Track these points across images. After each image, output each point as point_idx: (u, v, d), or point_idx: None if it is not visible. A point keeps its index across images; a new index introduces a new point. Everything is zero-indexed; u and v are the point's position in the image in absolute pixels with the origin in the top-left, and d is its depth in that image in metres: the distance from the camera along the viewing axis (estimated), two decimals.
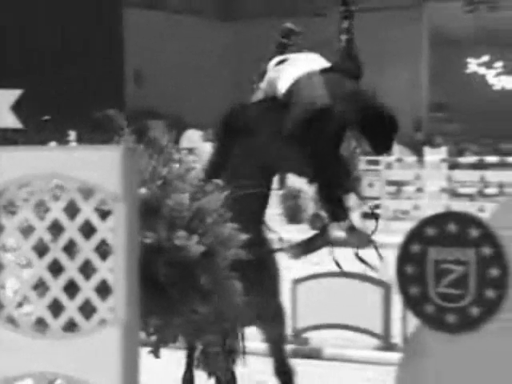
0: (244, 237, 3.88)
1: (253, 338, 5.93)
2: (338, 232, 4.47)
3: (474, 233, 3.96)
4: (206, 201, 3.90)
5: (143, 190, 3.74)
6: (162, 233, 3.77)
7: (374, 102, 4.30)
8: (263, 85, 4.46)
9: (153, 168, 3.88)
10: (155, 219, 3.80)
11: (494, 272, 3.92)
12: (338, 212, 4.39)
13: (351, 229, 4.42)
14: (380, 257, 4.44)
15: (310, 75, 4.32)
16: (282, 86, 4.32)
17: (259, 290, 4.32)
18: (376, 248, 4.40)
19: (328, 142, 4.26)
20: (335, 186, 4.37)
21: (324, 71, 4.34)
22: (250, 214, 4.34)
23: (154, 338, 3.89)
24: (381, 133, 4.27)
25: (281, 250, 4.58)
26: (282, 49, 4.67)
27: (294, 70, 4.36)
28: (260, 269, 4.33)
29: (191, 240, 3.75)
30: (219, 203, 3.91)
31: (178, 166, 3.98)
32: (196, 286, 3.85)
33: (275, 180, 4.56)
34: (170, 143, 4.03)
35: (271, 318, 4.61)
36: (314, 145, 4.22)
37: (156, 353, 4.03)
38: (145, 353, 3.54)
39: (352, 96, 4.25)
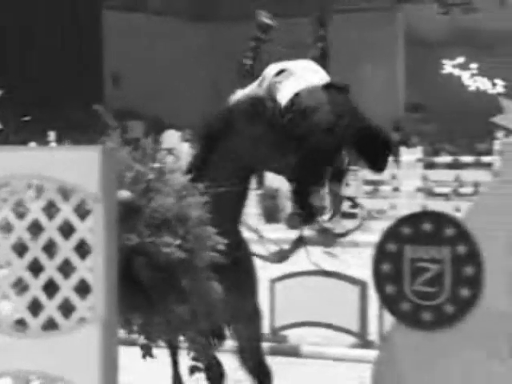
0: (223, 239, 3.91)
1: (230, 336, 5.96)
2: (310, 232, 4.54)
3: (449, 232, 4.00)
4: (187, 203, 3.92)
5: (126, 193, 3.75)
6: (145, 235, 3.79)
7: (370, 122, 4.37)
8: (259, 90, 4.46)
9: (136, 171, 3.90)
10: (138, 221, 3.82)
11: (469, 270, 3.97)
12: (308, 214, 4.45)
13: (320, 230, 4.49)
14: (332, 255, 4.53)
15: (312, 90, 4.32)
16: (282, 98, 4.33)
17: (235, 290, 4.35)
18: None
19: (321, 157, 4.31)
20: (308, 191, 4.43)
21: (325, 87, 4.35)
22: (228, 213, 4.37)
23: (141, 338, 3.92)
24: (377, 153, 4.35)
25: (259, 256, 4.62)
26: (259, 43, 4.69)
27: (295, 82, 4.36)
28: (236, 268, 4.35)
29: (174, 244, 3.77)
30: (200, 206, 3.94)
31: (160, 167, 4.00)
32: (176, 287, 3.87)
33: (253, 180, 4.60)
34: (152, 145, 4.05)
35: (247, 317, 4.63)
36: (306, 156, 4.27)
37: (149, 353, 4.06)
38: (124, 352, 3.55)
39: (351, 115, 4.31)
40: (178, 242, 3.76)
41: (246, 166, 4.41)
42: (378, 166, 4.39)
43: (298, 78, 4.38)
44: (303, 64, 4.54)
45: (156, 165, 3.95)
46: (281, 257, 4.58)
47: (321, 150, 4.28)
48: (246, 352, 4.65)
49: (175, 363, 4.79)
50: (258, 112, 4.34)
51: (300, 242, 4.55)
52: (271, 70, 4.50)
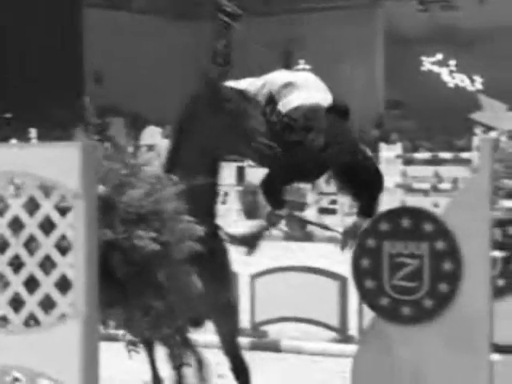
0: (200, 230, 3.93)
1: (213, 330, 5.97)
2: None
3: (428, 227, 4.04)
4: (161, 196, 3.93)
5: (101, 188, 3.76)
6: (119, 229, 3.80)
7: (365, 155, 4.42)
8: (256, 91, 4.48)
9: (109, 166, 3.91)
10: (112, 216, 3.83)
11: (448, 265, 4.00)
12: (276, 201, 4.52)
13: (289, 216, 4.57)
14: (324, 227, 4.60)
15: (314, 109, 4.36)
16: (283, 105, 4.37)
17: (210, 282, 4.37)
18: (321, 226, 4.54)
19: (298, 170, 4.39)
20: (276, 179, 4.49)
21: (328, 110, 4.39)
22: (201, 204, 4.39)
23: (123, 333, 3.93)
24: (365, 192, 4.45)
25: (231, 241, 4.65)
26: (227, 29, 4.70)
27: (299, 96, 4.37)
28: (211, 262, 4.37)
29: (148, 237, 3.79)
30: (175, 198, 3.95)
31: (134, 162, 4.01)
32: (152, 281, 3.89)
33: (229, 174, 4.66)
34: (127, 141, 4.06)
35: (222, 312, 4.65)
36: (285, 163, 4.34)
37: (135, 349, 4.07)
38: (105, 347, 3.56)
39: (346, 144, 4.36)
40: (151, 234, 3.77)
41: (209, 154, 4.46)
42: (365, 211, 4.45)
43: (302, 92, 4.42)
44: (308, 78, 4.57)
45: (131, 160, 3.97)
46: (251, 245, 4.60)
47: (300, 165, 4.35)
48: (221, 346, 4.67)
49: (153, 359, 4.79)
50: (216, 99, 4.40)
51: (264, 228, 4.60)
52: (276, 78, 4.52)
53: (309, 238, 6.28)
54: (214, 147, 4.45)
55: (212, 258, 4.35)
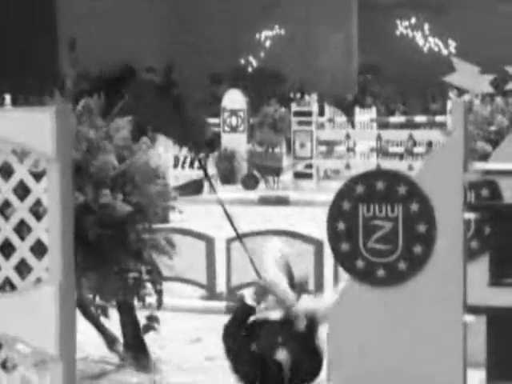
0: (175, 193, 3.95)
1: (189, 295, 6.00)
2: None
3: (402, 190, 4.06)
4: (133, 160, 3.94)
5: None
6: (90, 193, 3.80)
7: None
8: None
9: (79, 130, 3.90)
10: (83, 180, 3.83)
11: (422, 228, 4.03)
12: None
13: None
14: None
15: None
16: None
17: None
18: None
19: None
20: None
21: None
22: None
23: (97, 298, 3.95)
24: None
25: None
26: None
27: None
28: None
29: (117, 199, 3.80)
30: (147, 161, 3.96)
31: (105, 126, 4.01)
32: (125, 243, 3.89)
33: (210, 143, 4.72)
34: (99, 106, 4.05)
35: None
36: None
37: (105, 313, 4.08)
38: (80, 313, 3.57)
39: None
40: (120, 197, 3.78)
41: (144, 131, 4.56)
42: None
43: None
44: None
45: (102, 124, 3.97)
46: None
47: None
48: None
49: (124, 322, 4.79)
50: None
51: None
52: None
53: (285, 202, 6.31)
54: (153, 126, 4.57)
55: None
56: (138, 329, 4.56)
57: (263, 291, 4.16)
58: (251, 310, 4.02)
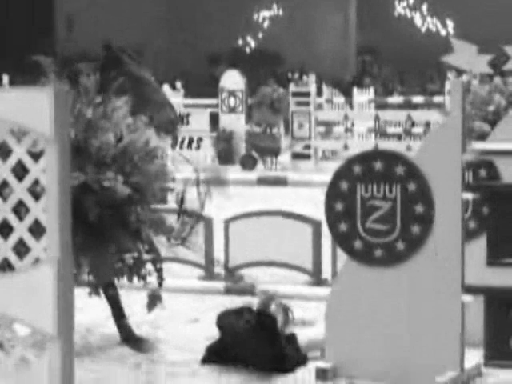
0: (173, 172, 3.97)
1: (188, 276, 6.01)
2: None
3: (400, 170, 4.06)
4: (132, 139, 3.94)
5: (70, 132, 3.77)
6: (90, 173, 3.81)
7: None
8: None
9: (78, 109, 3.90)
10: (82, 160, 3.84)
11: (420, 208, 4.03)
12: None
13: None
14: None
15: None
16: None
17: None
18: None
19: None
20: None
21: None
22: None
23: (90, 277, 3.96)
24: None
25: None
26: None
27: None
28: None
29: (117, 180, 3.80)
30: (145, 140, 3.97)
31: (103, 105, 4.01)
32: (125, 224, 3.91)
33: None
34: (96, 85, 4.05)
35: None
36: None
37: (96, 291, 4.10)
38: (79, 293, 3.58)
39: None
40: (121, 179, 3.79)
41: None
42: None
43: None
44: None
45: (100, 104, 3.97)
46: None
47: None
48: None
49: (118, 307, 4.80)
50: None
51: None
52: None
53: (283, 182, 6.30)
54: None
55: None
56: (121, 309, 4.60)
57: (268, 300, 4.37)
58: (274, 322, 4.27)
